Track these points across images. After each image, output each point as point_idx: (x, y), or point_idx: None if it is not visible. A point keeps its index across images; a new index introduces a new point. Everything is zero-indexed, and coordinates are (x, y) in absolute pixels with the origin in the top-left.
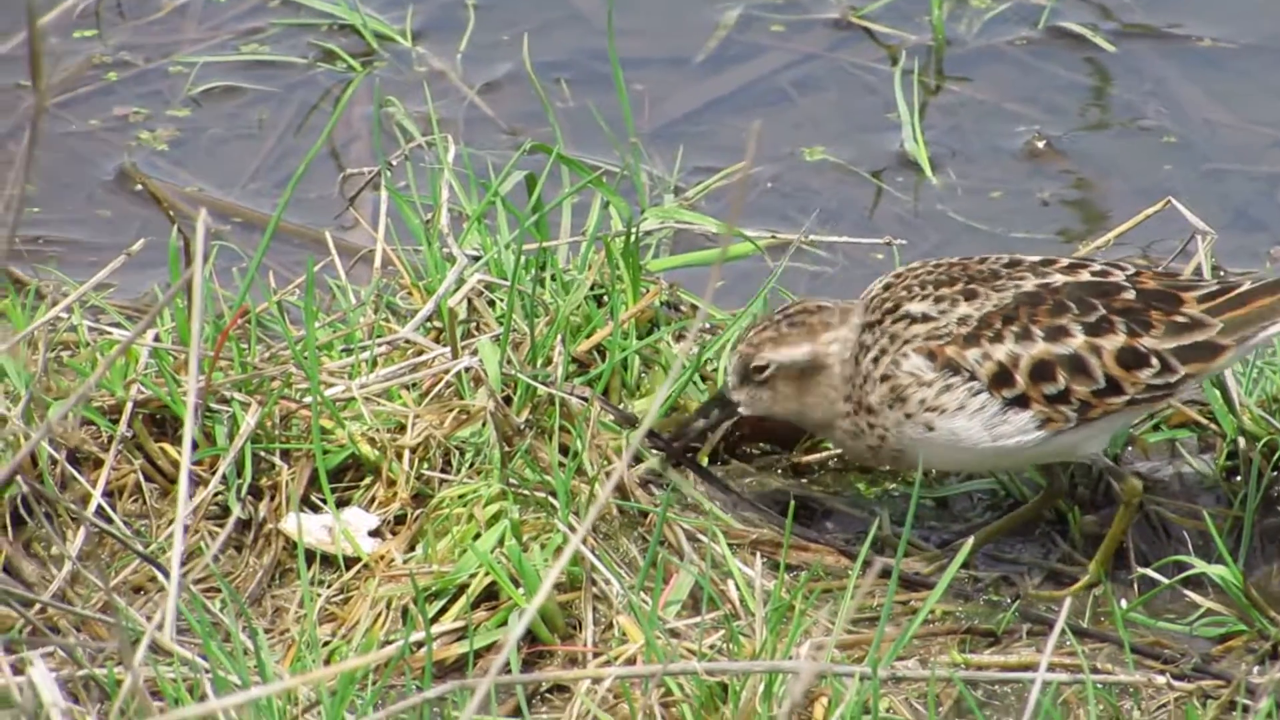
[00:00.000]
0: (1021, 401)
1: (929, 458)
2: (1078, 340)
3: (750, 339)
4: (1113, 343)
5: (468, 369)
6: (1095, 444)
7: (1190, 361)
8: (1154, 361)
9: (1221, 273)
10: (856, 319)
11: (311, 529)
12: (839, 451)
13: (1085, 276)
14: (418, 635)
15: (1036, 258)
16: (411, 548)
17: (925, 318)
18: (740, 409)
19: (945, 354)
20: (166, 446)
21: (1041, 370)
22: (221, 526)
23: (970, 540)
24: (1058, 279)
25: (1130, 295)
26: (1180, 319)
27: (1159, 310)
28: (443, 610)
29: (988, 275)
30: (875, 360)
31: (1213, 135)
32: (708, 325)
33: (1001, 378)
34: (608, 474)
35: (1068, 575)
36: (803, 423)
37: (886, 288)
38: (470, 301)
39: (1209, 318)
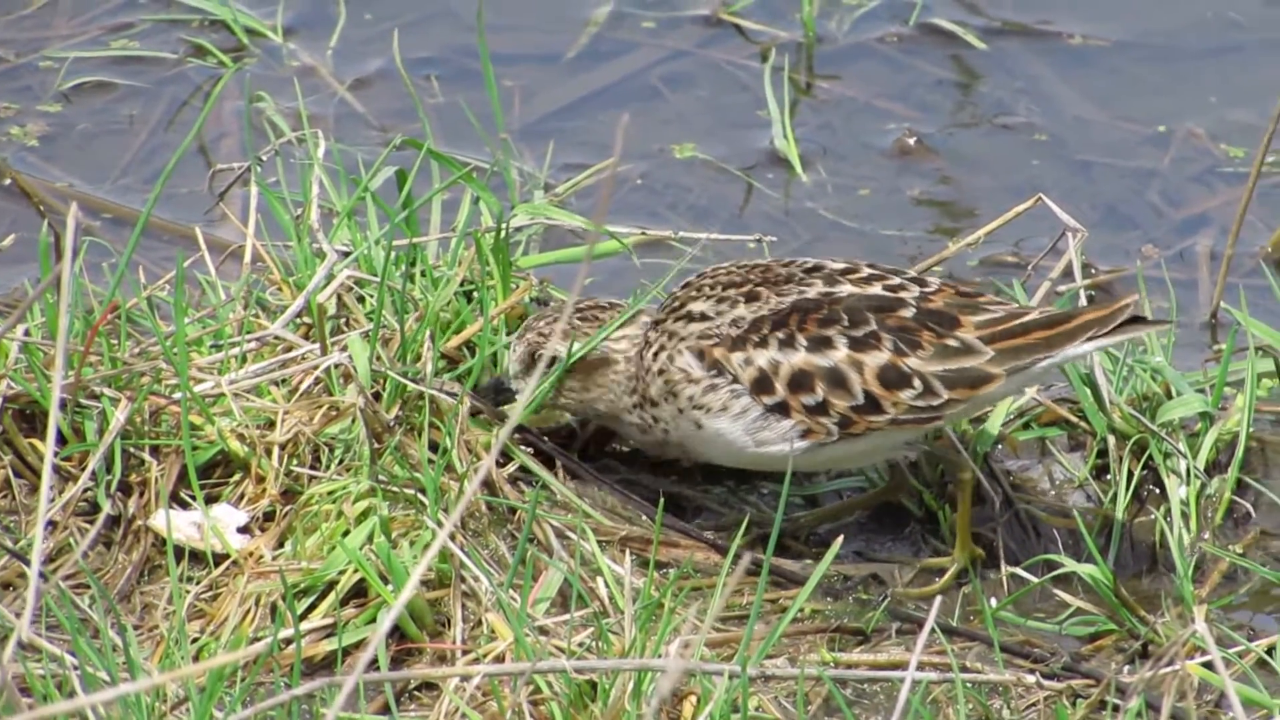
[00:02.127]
0: (782, 409)
1: (716, 454)
2: (840, 354)
3: (540, 329)
4: (875, 360)
5: (337, 365)
6: (872, 458)
7: (956, 386)
8: (916, 383)
9: (1093, 270)
10: (646, 318)
11: (181, 525)
12: None
13: (876, 289)
14: (286, 632)
15: (841, 265)
16: (280, 544)
17: (703, 317)
18: (519, 398)
19: (713, 355)
20: (36, 442)
21: (800, 380)
22: (91, 523)
23: (840, 539)
24: (846, 289)
25: (908, 313)
26: (952, 342)
27: (932, 331)
28: (311, 607)
29: (781, 279)
30: (655, 355)
31: (1083, 132)
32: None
33: (762, 383)
34: (476, 470)
35: (937, 572)
36: (584, 412)
37: (684, 286)
38: (340, 297)
39: (981, 344)
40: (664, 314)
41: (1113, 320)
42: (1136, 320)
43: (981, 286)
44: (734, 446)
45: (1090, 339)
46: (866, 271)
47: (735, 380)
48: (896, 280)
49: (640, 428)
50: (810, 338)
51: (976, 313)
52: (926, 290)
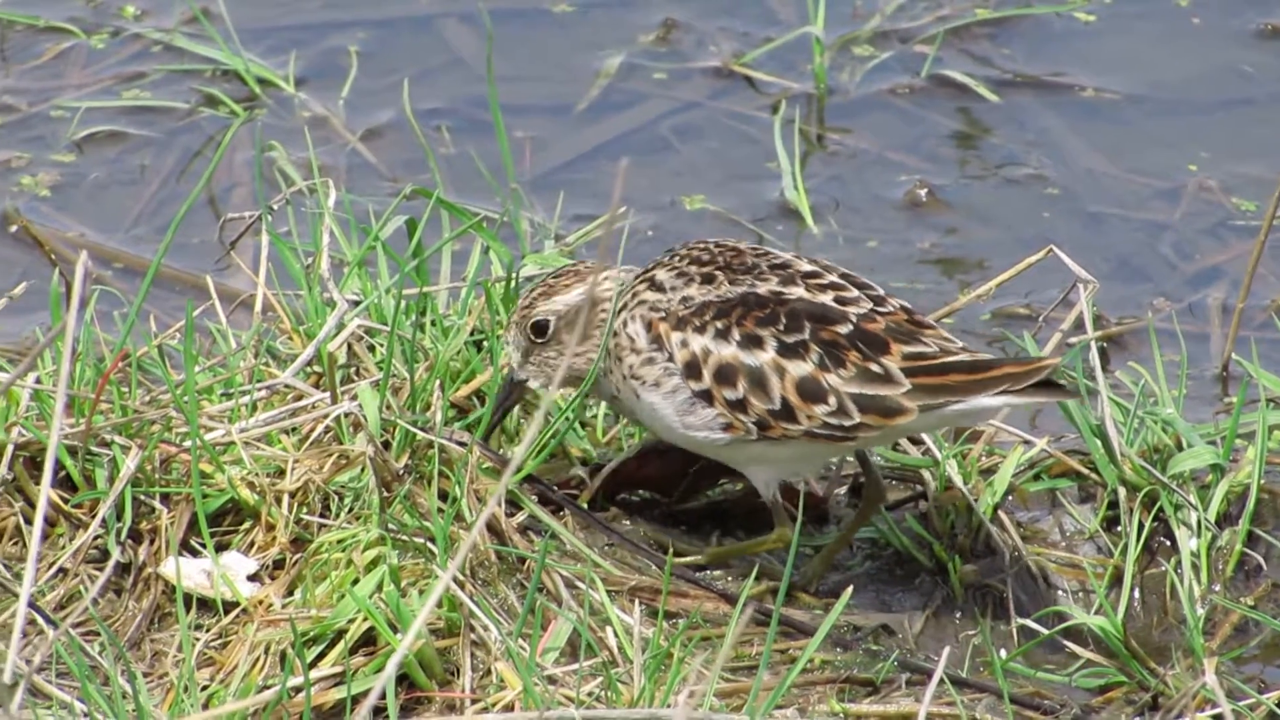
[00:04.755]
0: (707, 397)
1: (657, 428)
2: (767, 356)
3: (521, 306)
4: (799, 369)
5: (347, 414)
6: (803, 465)
7: (868, 411)
8: (832, 400)
9: (1105, 322)
10: (628, 276)
11: (191, 573)
12: (720, 498)
13: (827, 298)
14: (296, 680)
15: (809, 267)
16: (290, 592)
17: (659, 287)
18: (529, 383)
19: (657, 329)
20: (51, 491)
21: (725, 373)
22: (101, 570)
23: (849, 589)
24: (797, 292)
25: (844, 330)
26: (875, 368)
27: (859, 353)
28: (321, 655)
29: (745, 267)
30: (618, 313)
31: (1094, 185)
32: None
33: (692, 368)
34: (483, 515)
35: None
36: (583, 377)
37: (666, 250)
38: (350, 346)
39: (901, 375)
40: (639, 273)
41: (1028, 378)
42: (1052, 385)
43: (993, 339)
44: (665, 423)
45: (1004, 393)
46: (829, 279)
47: (670, 359)
48: (854, 294)
49: (608, 380)
50: (745, 334)
51: (910, 343)
52: (880, 309)
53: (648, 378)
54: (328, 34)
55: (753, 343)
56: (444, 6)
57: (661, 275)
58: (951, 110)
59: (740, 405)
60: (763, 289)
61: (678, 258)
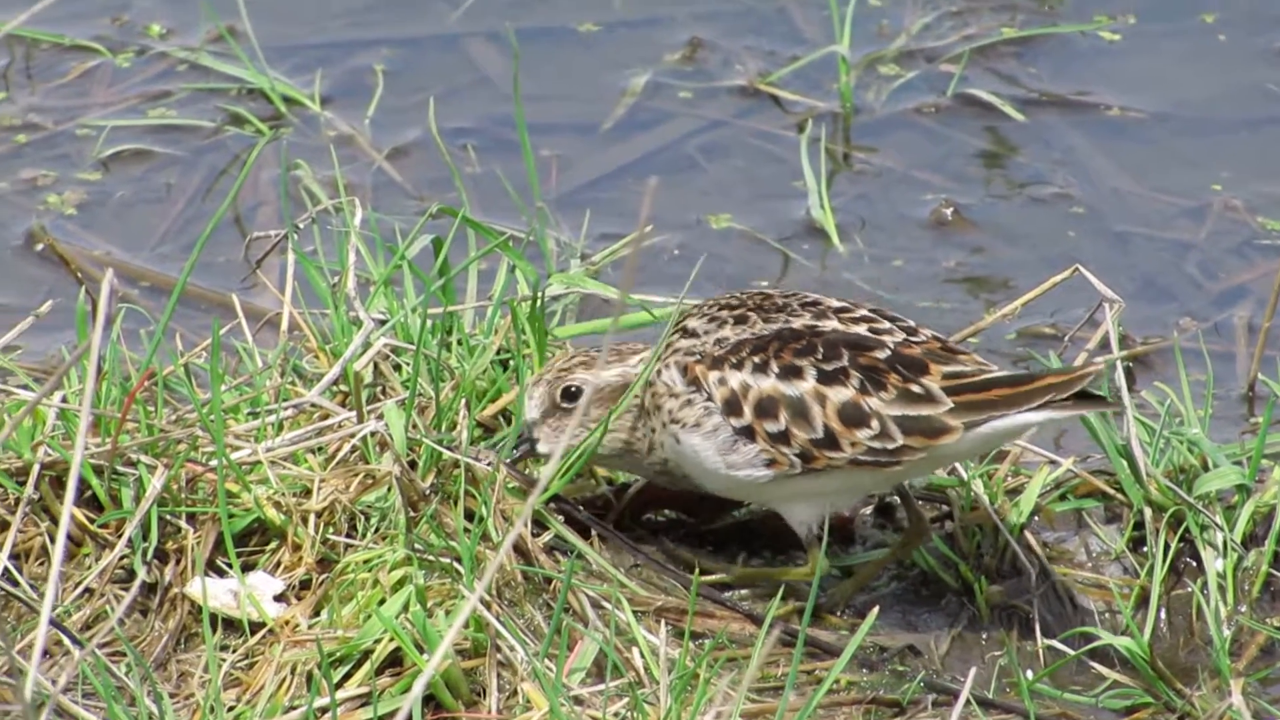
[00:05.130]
0: (749, 433)
1: (697, 474)
2: (807, 385)
3: (558, 369)
4: (839, 395)
5: (373, 433)
6: (844, 499)
7: (912, 433)
8: (874, 424)
9: (1130, 342)
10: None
11: (217, 593)
12: (746, 519)
13: (861, 329)
14: (322, 701)
15: (839, 304)
16: (317, 613)
17: (693, 334)
18: (539, 446)
19: (694, 371)
20: (76, 510)
21: (765, 406)
22: (127, 590)
23: (876, 610)
24: (831, 325)
25: (882, 355)
26: (915, 389)
27: (899, 375)
28: (347, 676)
29: (776, 307)
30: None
31: (1120, 204)
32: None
33: (732, 405)
34: (509, 536)
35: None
36: (605, 450)
37: (696, 305)
38: (376, 365)
39: (943, 394)
40: (671, 328)
41: (1070, 386)
42: (1093, 397)
43: (1018, 358)
44: (706, 465)
45: (1047, 405)
46: (860, 313)
47: (709, 398)
48: (886, 325)
49: (636, 442)
50: (783, 365)
51: (948, 364)
52: (912, 339)
53: (687, 419)
54: (353, 52)
55: (792, 373)
56: (470, 25)
57: (694, 323)
58: (977, 129)
59: (783, 437)
60: (797, 323)
61: (706, 306)
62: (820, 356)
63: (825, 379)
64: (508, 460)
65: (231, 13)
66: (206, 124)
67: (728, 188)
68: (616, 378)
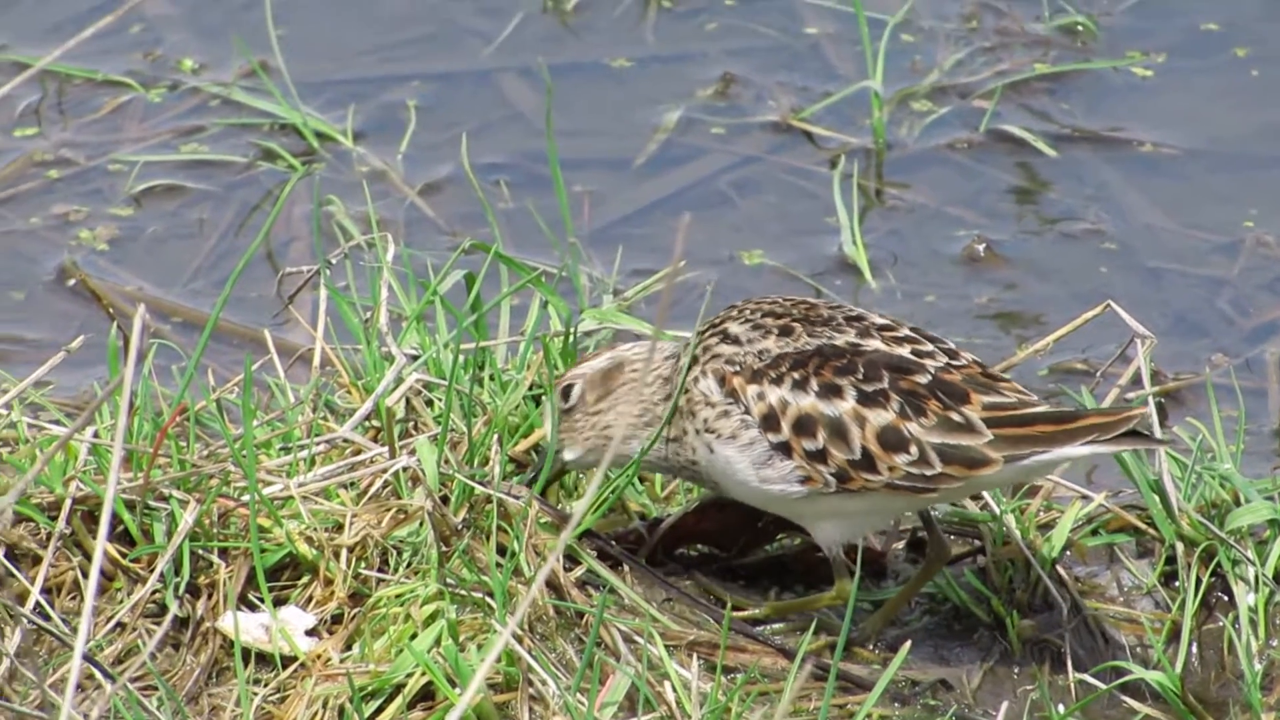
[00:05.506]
0: (785, 449)
1: (728, 485)
2: (847, 405)
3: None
4: (879, 418)
5: (405, 468)
6: (875, 520)
7: (951, 462)
8: (913, 450)
9: (1162, 378)
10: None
11: (249, 627)
12: (778, 553)
13: (904, 350)
14: None
15: (882, 320)
16: (348, 647)
17: (735, 340)
18: (564, 455)
19: (732, 383)
20: (108, 545)
21: (804, 424)
22: (159, 624)
23: (908, 644)
24: (874, 344)
25: (923, 380)
26: (956, 417)
27: (940, 402)
28: (379, 710)
29: (821, 319)
30: (689, 368)
31: (1153, 240)
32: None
33: (770, 420)
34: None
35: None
36: (627, 434)
37: (730, 306)
38: (408, 401)
39: (983, 425)
40: (704, 327)
41: (1116, 428)
42: (1137, 434)
43: (1050, 394)
44: (739, 477)
45: (1090, 442)
46: (904, 332)
47: (747, 411)
48: (928, 347)
49: (668, 439)
50: (823, 384)
51: (989, 394)
52: (954, 362)
53: (723, 430)
54: (386, 88)
55: (832, 392)
56: (503, 61)
57: (735, 328)
58: (1010, 165)
59: (820, 456)
60: (840, 340)
61: (750, 310)
62: (861, 376)
63: (865, 400)
64: (541, 489)
65: (264, 48)
66: (239, 159)
67: (760, 223)
68: (605, 362)
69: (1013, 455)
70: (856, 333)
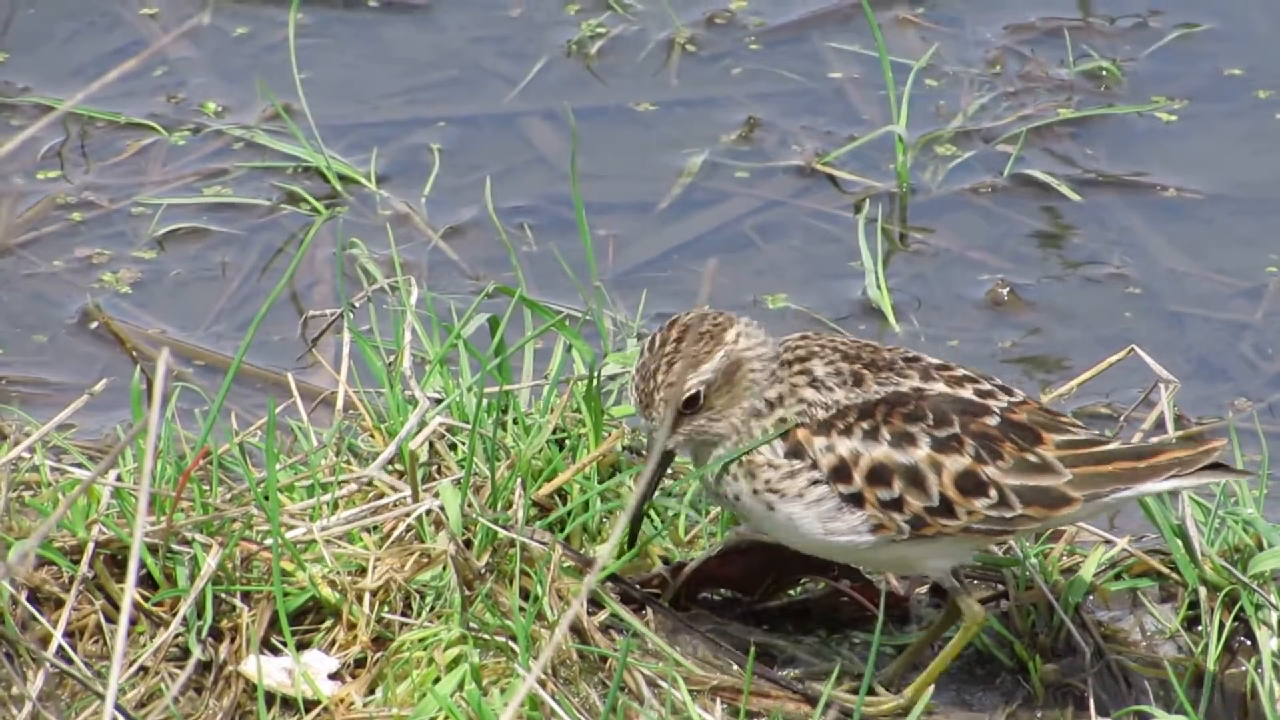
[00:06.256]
0: (857, 500)
1: (783, 536)
2: (921, 452)
3: (663, 381)
4: (956, 464)
5: (429, 512)
6: (938, 562)
7: (1032, 504)
8: (993, 493)
9: (1185, 422)
10: (761, 333)
11: (271, 671)
12: (802, 598)
13: (967, 391)
14: None
15: (936, 361)
16: (371, 691)
17: (819, 386)
18: (677, 451)
19: (795, 436)
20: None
21: (878, 473)
22: (182, 668)
23: (931, 688)
24: (938, 387)
25: (993, 421)
26: (1032, 458)
27: (1014, 444)
28: None
29: (884, 364)
30: (769, 403)
31: (1176, 284)
32: (671, 471)
33: (840, 472)
34: (566, 615)
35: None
36: (714, 436)
37: (803, 337)
38: (432, 444)
39: (1061, 465)
40: (790, 356)
41: (1197, 462)
42: (1219, 466)
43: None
44: (801, 531)
45: (1173, 477)
46: (960, 372)
47: (814, 465)
48: (986, 386)
49: (728, 494)
50: (894, 432)
51: (1058, 431)
52: (1013, 400)
53: (789, 491)
54: (410, 131)
55: (905, 440)
56: (526, 104)
57: (820, 371)
58: (1034, 209)
59: (895, 504)
60: (904, 386)
61: (829, 350)
62: (931, 423)
63: (939, 447)
64: (631, 520)
65: (287, 91)
66: (262, 202)
67: (784, 267)
68: (721, 361)
69: (1093, 494)
70: (919, 376)
